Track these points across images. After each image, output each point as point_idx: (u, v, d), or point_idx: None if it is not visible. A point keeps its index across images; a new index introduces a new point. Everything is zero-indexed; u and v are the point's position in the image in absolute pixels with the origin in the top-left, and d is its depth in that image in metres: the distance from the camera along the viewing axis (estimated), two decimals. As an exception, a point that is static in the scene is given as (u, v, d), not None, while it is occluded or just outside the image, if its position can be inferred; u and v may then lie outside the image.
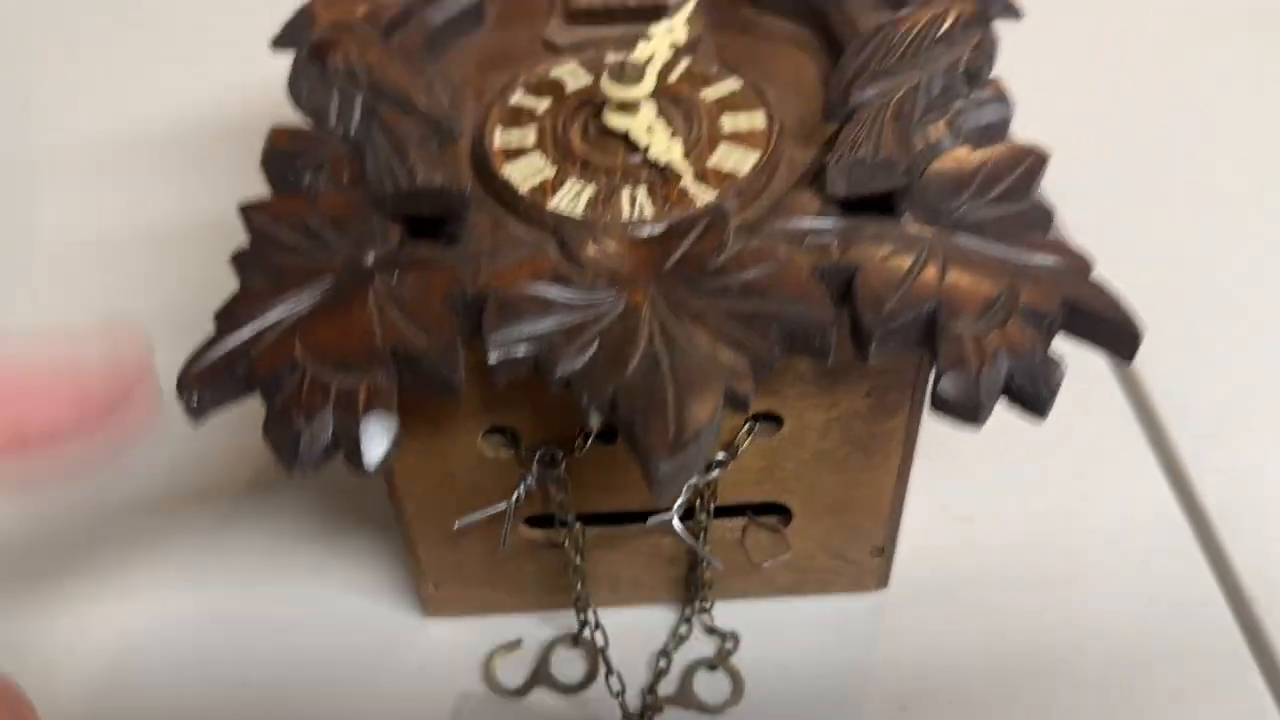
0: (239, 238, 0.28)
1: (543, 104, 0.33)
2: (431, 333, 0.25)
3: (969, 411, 0.24)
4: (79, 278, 0.50)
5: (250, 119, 0.57)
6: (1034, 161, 0.28)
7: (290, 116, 0.31)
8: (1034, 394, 0.24)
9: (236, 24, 0.65)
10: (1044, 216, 0.28)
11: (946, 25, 0.30)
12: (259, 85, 0.59)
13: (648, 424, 0.23)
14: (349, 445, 0.24)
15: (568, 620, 0.37)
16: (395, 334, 0.25)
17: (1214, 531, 0.38)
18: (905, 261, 0.26)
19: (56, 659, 0.37)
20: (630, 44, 0.34)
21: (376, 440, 0.24)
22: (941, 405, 0.24)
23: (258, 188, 0.29)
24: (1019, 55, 0.34)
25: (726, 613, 0.37)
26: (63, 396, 0.24)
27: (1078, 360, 0.28)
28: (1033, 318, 0.25)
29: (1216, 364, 0.44)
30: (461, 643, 0.37)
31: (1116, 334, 0.25)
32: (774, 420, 0.31)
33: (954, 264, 0.26)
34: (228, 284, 0.27)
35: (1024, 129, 0.30)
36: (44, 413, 0.24)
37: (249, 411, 0.26)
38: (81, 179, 0.55)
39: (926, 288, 0.25)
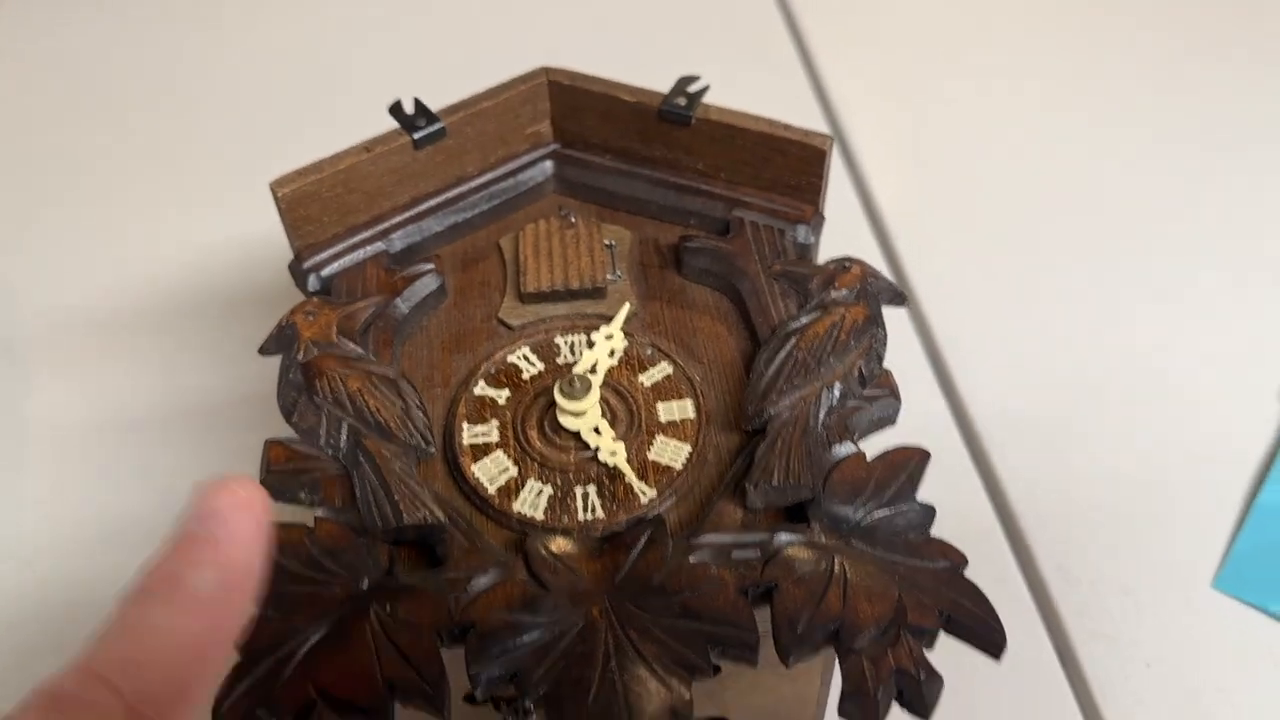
0: (220, 420, 0.32)
1: (503, 394, 0.37)
2: (424, 668, 0.30)
3: None
4: (67, 461, 0.54)
5: (225, 284, 0.61)
6: (917, 464, 0.34)
7: (254, 287, 0.35)
8: (920, 708, 0.30)
9: (201, 192, 0.68)
10: (927, 515, 0.34)
11: (842, 334, 0.36)
12: (230, 250, 0.63)
13: (608, 752, 0.29)
14: (365, 781, 0.29)
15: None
16: (393, 669, 0.30)
17: (1086, 684, 0.45)
18: (814, 578, 0.32)
19: None
20: (574, 324, 0.39)
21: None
22: (848, 716, 0.30)
23: (232, 362, 0.33)
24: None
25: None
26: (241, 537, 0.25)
27: (969, 524, 0.33)
28: (918, 633, 0.31)
29: (1095, 532, 0.50)
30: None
31: (985, 640, 0.31)
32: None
33: (854, 574, 0.32)
34: (220, 465, 0.31)
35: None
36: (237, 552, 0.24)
37: None
38: (65, 358, 0.59)
39: (831, 609, 0.31)
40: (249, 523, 0.25)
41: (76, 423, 0.56)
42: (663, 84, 0.43)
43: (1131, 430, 0.54)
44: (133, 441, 0.54)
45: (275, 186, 0.39)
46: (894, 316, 0.60)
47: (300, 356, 0.36)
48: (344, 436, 0.35)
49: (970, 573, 0.48)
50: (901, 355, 0.33)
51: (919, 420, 0.38)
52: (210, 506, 0.25)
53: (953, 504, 0.34)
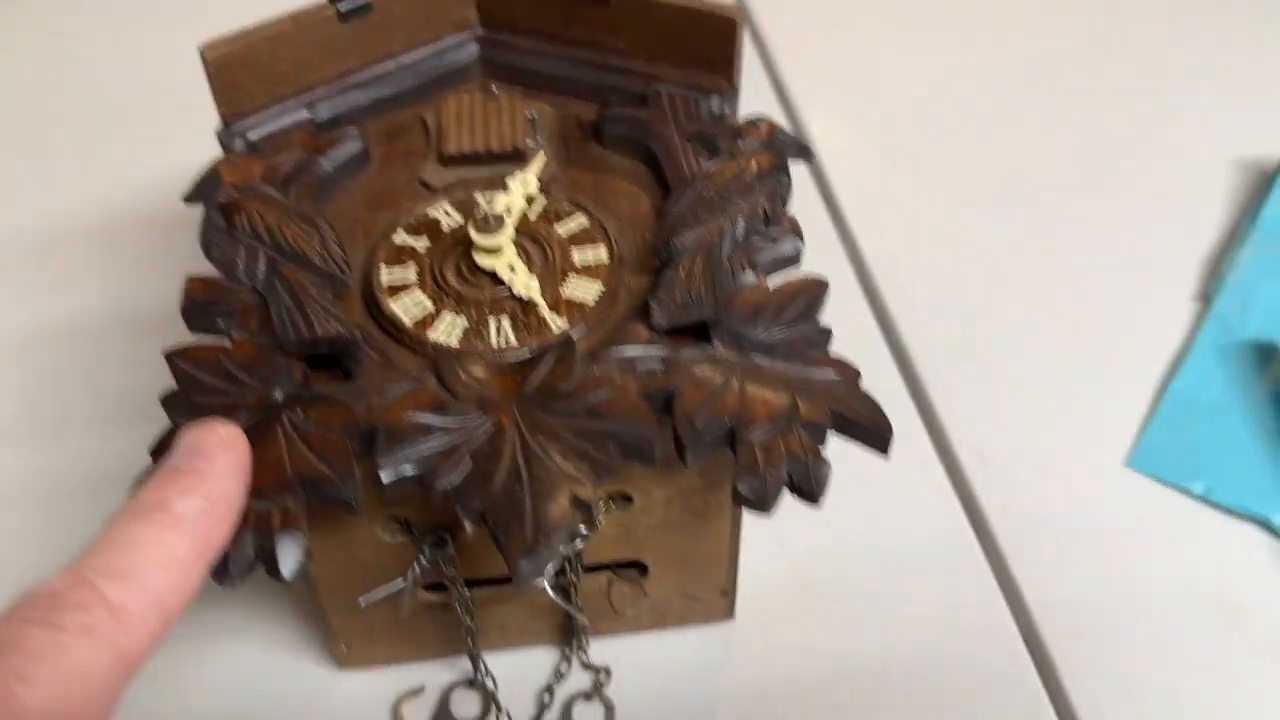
0: (154, 327, 0.33)
1: (422, 243, 0.39)
2: (333, 463, 0.31)
3: (760, 504, 0.31)
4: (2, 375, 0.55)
5: (160, 209, 0.62)
6: (816, 291, 0.36)
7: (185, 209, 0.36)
8: (809, 489, 0.31)
9: (142, 118, 0.69)
10: (824, 336, 0.35)
11: (748, 176, 0.38)
12: (157, 176, 0.64)
13: (509, 531, 0.30)
14: (267, 560, 0.30)
15: (465, 665, 0.43)
16: (303, 464, 0.31)
17: (1000, 553, 0.47)
18: (713, 385, 0.33)
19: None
20: (494, 184, 0.40)
21: (290, 555, 0.30)
22: (739, 500, 0.31)
23: (164, 276, 0.34)
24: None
25: (600, 649, 0.44)
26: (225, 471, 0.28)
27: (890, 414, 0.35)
28: (809, 428, 0.32)
29: (1011, 414, 0.52)
30: (372, 691, 0.43)
31: (873, 436, 0.33)
32: (626, 498, 0.38)
33: (750, 382, 0.33)
34: (148, 375, 0.32)
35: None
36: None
37: None
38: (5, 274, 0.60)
39: (728, 405, 0.32)
40: (230, 459, 0.29)
41: (13, 330, 0.56)
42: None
43: (1047, 323, 0.56)
44: (71, 347, 0.55)
45: (204, 50, 0.40)
46: (814, 221, 0.62)
47: (221, 199, 0.37)
48: (261, 267, 0.36)
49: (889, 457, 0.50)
50: (821, 253, 0.35)
51: (838, 306, 0.39)
52: (196, 444, 0.29)
53: (870, 387, 0.35)
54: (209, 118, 0.42)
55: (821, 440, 0.32)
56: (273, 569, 0.30)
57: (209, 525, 0.27)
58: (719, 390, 0.33)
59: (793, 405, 0.32)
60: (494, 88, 0.43)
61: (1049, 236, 0.61)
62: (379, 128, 0.44)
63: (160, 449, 0.32)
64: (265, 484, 0.31)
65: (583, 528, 0.38)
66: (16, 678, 0.23)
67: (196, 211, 0.38)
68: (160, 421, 0.33)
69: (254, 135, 0.41)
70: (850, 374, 0.34)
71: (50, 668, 0.23)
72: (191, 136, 0.49)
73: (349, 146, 0.41)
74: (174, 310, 0.34)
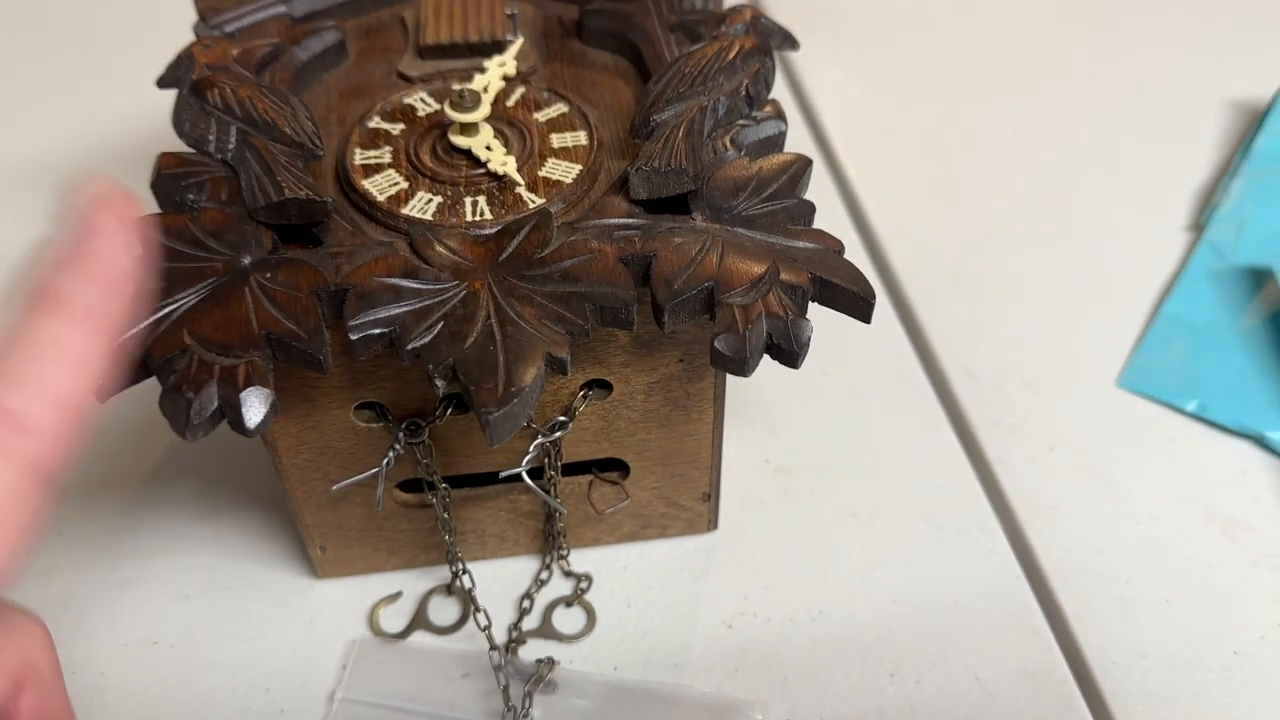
0: None
1: (397, 128, 0.38)
2: (300, 319, 0.30)
3: (738, 365, 0.30)
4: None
5: (135, 147, 0.62)
6: (799, 166, 0.35)
7: (169, 139, 0.36)
8: (789, 350, 0.31)
9: (119, 55, 0.69)
10: (807, 210, 0.34)
11: (730, 56, 0.37)
12: (138, 110, 0.63)
13: (481, 384, 0.29)
14: (232, 413, 0.29)
15: (443, 574, 0.42)
16: (269, 321, 0.30)
17: (990, 468, 0.46)
18: (692, 249, 0.32)
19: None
20: (471, 76, 0.39)
21: (255, 408, 0.29)
22: (717, 360, 0.31)
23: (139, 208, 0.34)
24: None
25: (581, 559, 0.43)
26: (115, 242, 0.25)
27: (874, 331, 0.34)
28: (789, 290, 0.31)
29: (999, 332, 0.51)
30: (348, 599, 0.42)
31: (855, 300, 0.32)
32: (605, 386, 0.37)
33: (730, 250, 0.32)
34: None
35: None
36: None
37: (151, 413, 0.31)
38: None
39: (707, 269, 0.32)
40: (124, 235, 0.25)
41: None
42: None
43: (1040, 252, 0.55)
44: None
45: (177, -62, 0.39)
46: (802, 149, 0.61)
47: (194, 77, 0.36)
48: (233, 140, 0.35)
49: (874, 374, 0.49)
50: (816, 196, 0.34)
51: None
52: (86, 223, 0.25)
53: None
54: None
55: (803, 304, 0.32)
56: (237, 422, 0.29)
57: (103, 308, 0.24)
58: (698, 256, 0.32)
59: (773, 269, 0.32)
60: (474, -17, 0.43)
61: (1042, 169, 0.60)
62: (357, 25, 0.43)
63: None
64: (231, 340, 0.30)
65: (562, 417, 0.37)
66: None
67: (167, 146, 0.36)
68: None
69: (230, 27, 0.41)
70: (834, 244, 0.33)
71: None
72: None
73: (326, 37, 0.40)
74: None
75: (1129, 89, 0.65)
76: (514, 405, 0.29)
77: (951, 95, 0.65)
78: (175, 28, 0.56)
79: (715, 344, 0.30)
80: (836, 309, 0.32)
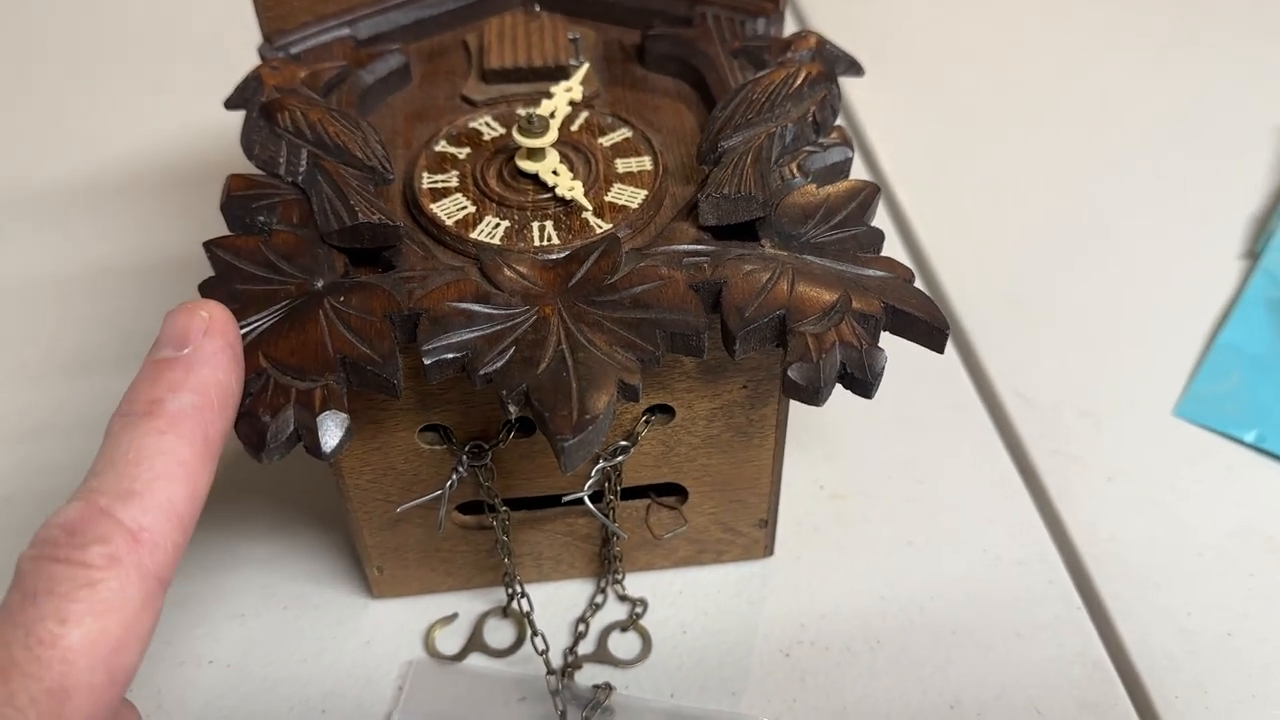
0: (188, 273, 0.33)
1: (463, 151, 0.38)
2: (374, 343, 0.30)
3: (812, 394, 0.30)
4: (37, 316, 0.54)
5: (195, 161, 0.62)
6: (868, 193, 0.35)
7: (233, 158, 0.36)
8: (863, 379, 0.30)
9: (181, 71, 0.70)
10: (876, 238, 0.34)
11: (798, 83, 0.37)
12: (202, 129, 0.64)
13: (555, 411, 0.29)
14: (309, 436, 0.29)
15: (498, 596, 0.42)
16: (344, 345, 0.30)
17: (1049, 498, 0.45)
18: (762, 277, 0.32)
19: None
20: (536, 99, 0.40)
21: (332, 432, 0.29)
22: (790, 389, 0.30)
23: (203, 226, 0.34)
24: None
25: (636, 583, 0.43)
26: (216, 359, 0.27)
27: (929, 357, 0.34)
28: (862, 319, 0.31)
29: (1055, 360, 0.51)
30: (404, 619, 0.42)
31: (929, 330, 0.32)
32: (667, 411, 0.37)
33: (801, 278, 0.32)
34: None
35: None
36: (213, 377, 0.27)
37: None
38: (35, 221, 0.60)
39: (778, 297, 0.32)
40: (217, 343, 0.28)
41: (49, 272, 0.56)
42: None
43: (1095, 279, 0.55)
44: (104, 290, 0.55)
45: (247, -37, 0.40)
46: (852, 174, 0.61)
47: (263, 99, 0.37)
48: (303, 163, 0.35)
49: (930, 401, 0.49)
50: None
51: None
52: (178, 331, 0.28)
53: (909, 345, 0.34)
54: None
55: (876, 333, 0.31)
56: (314, 446, 0.29)
57: (207, 420, 0.27)
58: (768, 284, 0.32)
59: (845, 298, 0.32)
60: (536, 7, 0.43)
61: (1095, 196, 0.60)
62: (420, 48, 0.43)
63: (205, 289, 0.31)
64: (306, 363, 0.30)
65: (624, 442, 0.37)
66: (56, 622, 0.23)
67: (234, 165, 0.37)
68: None
69: (295, 50, 0.41)
70: (904, 273, 0.33)
71: (86, 606, 0.24)
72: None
73: (391, 60, 0.41)
74: (203, 259, 0.33)
75: (1179, 116, 0.65)
76: (589, 433, 0.29)
77: (1002, 121, 0.65)
78: (230, 44, 0.56)
79: (788, 373, 0.30)
80: (909, 338, 0.32)
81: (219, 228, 0.35)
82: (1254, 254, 0.56)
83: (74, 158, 0.63)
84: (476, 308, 0.31)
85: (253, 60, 0.41)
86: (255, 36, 0.42)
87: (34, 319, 0.54)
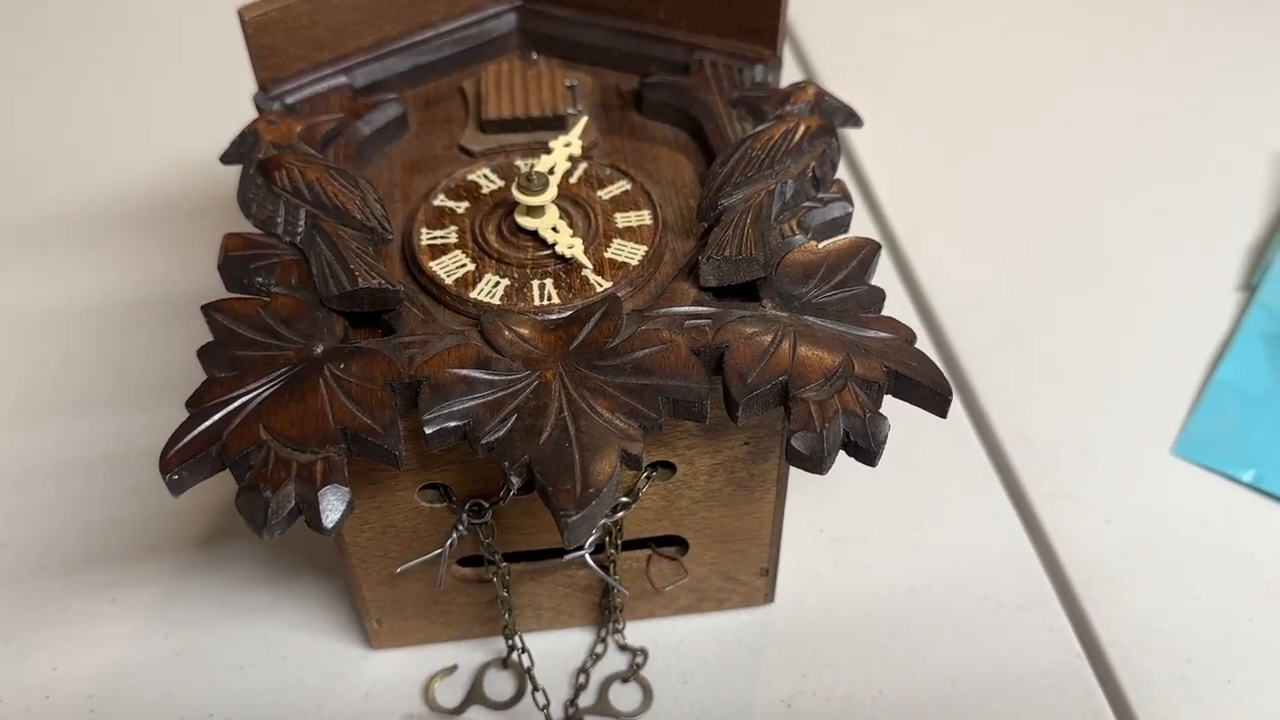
0: (184, 310, 0.32)
1: (462, 205, 0.38)
2: (375, 414, 0.30)
3: (815, 463, 0.30)
4: (32, 352, 0.54)
5: (191, 195, 0.62)
6: (868, 252, 0.35)
7: (230, 193, 0.35)
8: (866, 448, 0.30)
9: (179, 103, 0.69)
10: (877, 297, 0.34)
11: (796, 138, 0.37)
12: (198, 163, 0.63)
13: (559, 484, 0.29)
14: (310, 512, 0.29)
15: (497, 646, 0.42)
16: (345, 415, 0.30)
17: (1048, 540, 0.45)
18: (764, 341, 0.32)
19: (34, 705, 0.41)
20: (533, 150, 0.40)
21: (333, 507, 0.29)
22: (793, 458, 0.30)
23: (200, 262, 0.33)
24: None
25: (636, 631, 0.42)
26: None
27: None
28: (864, 385, 0.31)
29: (1054, 402, 0.51)
30: (403, 670, 0.41)
31: (931, 395, 0.32)
32: (669, 467, 0.37)
33: (803, 341, 0.32)
34: (170, 358, 0.31)
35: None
36: None
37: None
38: (28, 255, 0.59)
39: (780, 362, 0.31)
40: None
41: (43, 309, 0.56)
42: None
43: (1091, 314, 0.55)
44: (98, 328, 0.55)
45: (243, 12, 0.39)
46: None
47: (260, 155, 0.37)
48: (302, 223, 0.35)
49: (928, 440, 0.49)
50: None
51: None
52: None
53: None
54: (245, 109, 0.41)
55: (878, 399, 0.31)
56: (315, 521, 0.29)
57: None
58: (770, 347, 0.32)
59: (847, 363, 0.31)
60: (534, 54, 0.43)
61: (1091, 229, 0.60)
62: (416, 96, 0.43)
63: (196, 400, 0.31)
64: (307, 435, 0.30)
65: (624, 498, 0.37)
66: None
67: (228, 200, 0.37)
68: (179, 404, 0.31)
69: (291, 99, 0.41)
70: (906, 334, 0.33)
71: None
72: (226, 127, 0.48)
73: (388, 110, 0.40)
74: (199, 296, 0.33)
75: (1175, 145, 0.65)
76: (592, 507, 0.28)
77: (997, 154, 0.65)
78: (228, 82, 0.56)
79: (791, 442, 0.30)
80: (912, 402, 0.32)
81: (204, 262, 0.34)
82: (1250, 287, 0.56)
83: (68, 190, 0.63)
84: (477, 374, 0.31)
85: (249, 92, 0.41)
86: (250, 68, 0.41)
87: (29, 355, 0.54)
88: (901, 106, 0.69)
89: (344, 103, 0.40)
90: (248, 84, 0.41)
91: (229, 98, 0.53)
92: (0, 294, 0.57)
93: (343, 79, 0.42)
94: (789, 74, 0.45)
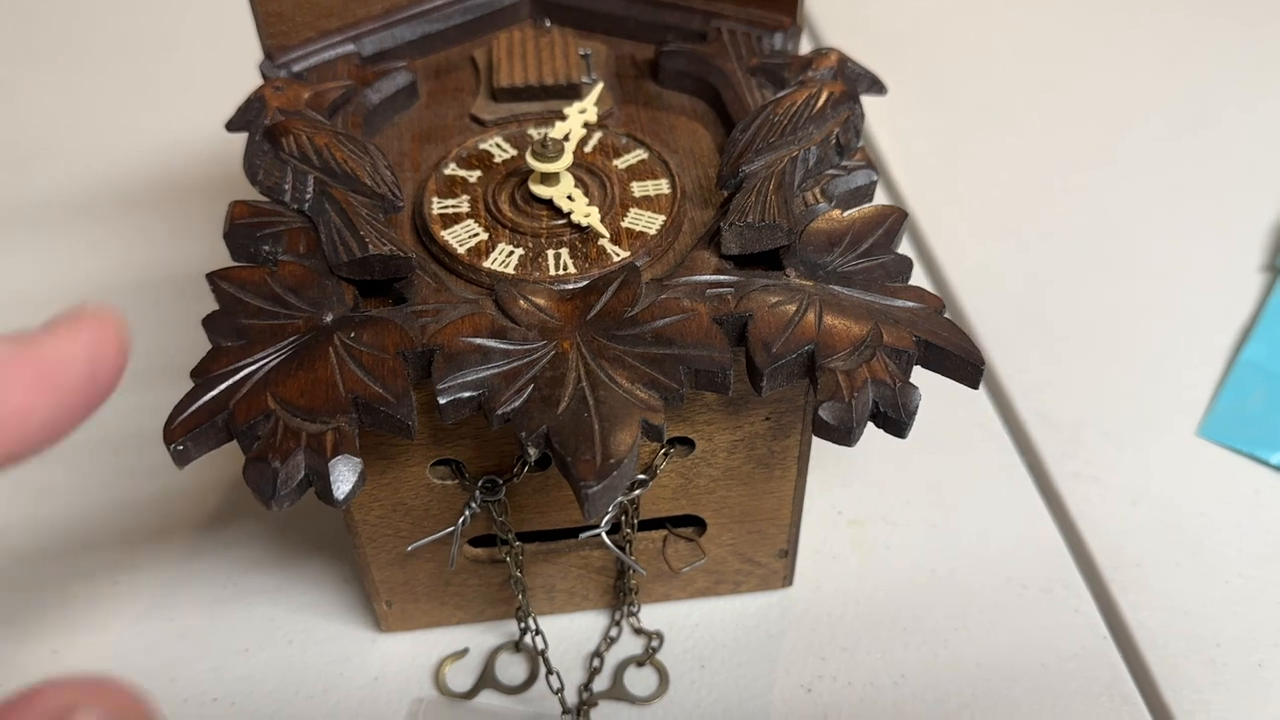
0: (190, 291, 0.31)
1: (474, 174, 0.37)
2: (388, 383, 0.29)
3: (843, 434, 0.29)
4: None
5: (196, 174, 0.61)
6: (895, 220, 0.34)
7: (236, 170, 0.34)
8: (896, 419, 0.29)
9: (182, 81, 0.68)
10: (905, 266, 0.33)
11: (820, 103, 0.36)
12: (204, 140, 0.62)
13: (578, 454, 0.28)
14: (320, 483, 0.28)
15: (509, 629, 0.41)
16: (356, 384, 0.29)
17: (1072, 523, 0.44)
18: (789, 309, 0.31)
19: (34, 689, 0.39)
20: (547, 119, 0.38)
21: (344, 478, 0.28)
22: (820, 429, 0.29)
23: (205, 241, 0.33)
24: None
25: (651, 614, 0.41)
26: (32, 380, 0.20)
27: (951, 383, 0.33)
28: (893, 354, 0.30)
29: (1077, 382, 0.50)
30: (413, 653, 0.40)
31: (963, 365, 0.31)
32: (687, 443, 0.36)
33: (829, 310, 0.31)
34: (177, 337, 0.30)
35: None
36: (12, 399, 0.19)
37: (207, 457, 0.30)
38: (31, 237, 0.58)
39: (806, 331, 0.30)
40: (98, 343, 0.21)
41: (50, 289, 0.55)
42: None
43: (1113, 295, 0.54)
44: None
45: (248, -23, 0.38)
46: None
47: (267, 121, 0.35)
48: (310, 189, 0.34)
49: (950, 421, 0.47)
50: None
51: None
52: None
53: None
54: (251, 84, 0.40)
55: (908, 369, 0.30)
56: (325, 493, 0.28)
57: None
58: (795, 316, 0.31)
59: (876, 332, 0.30)
60: (547, 22, 0.42)
61: (1114, 208, 0.59)
62: (426, 64, 0.42)
63: (201, 370, 0.30)
64: (317, 404, 0.29)
65: (642, 475, 0.36)
66: None
67: (235, 177, 0.36)
68: (183, 385, 0.30)
69: (298, 67, 0.40)
70: (935, 303, 0.32)
71: None
72: (231, 102, 0.47)
73: (398, 79, 0.39)
74: (204, 275, 0.32)
75: (1198, 124, 0.64)
76: (613, 478, 0.27)
77: (1015, 133, 0.64)
78: (232, 53, 0.55)
79: (819, 412, 0.29)
80: (942, 373, 0.31)
81: (211, 241, 0.33)
82: (1274, 268, 0.55)
83: (71, 170, 0.62)
84: (492, 343, 0.30)
85: (254, 65, 0.40)
86: (257, 44, 0.40)
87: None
88: (916, 83, 0.68)
89: (352, 70, 0.39)
90: (252, 57, 0.40)
91: (233, 73, 0.51)
92: (3, 277, 0.56)
93: (350, 47, 0.41)
94: (801, 52, 0.44)
